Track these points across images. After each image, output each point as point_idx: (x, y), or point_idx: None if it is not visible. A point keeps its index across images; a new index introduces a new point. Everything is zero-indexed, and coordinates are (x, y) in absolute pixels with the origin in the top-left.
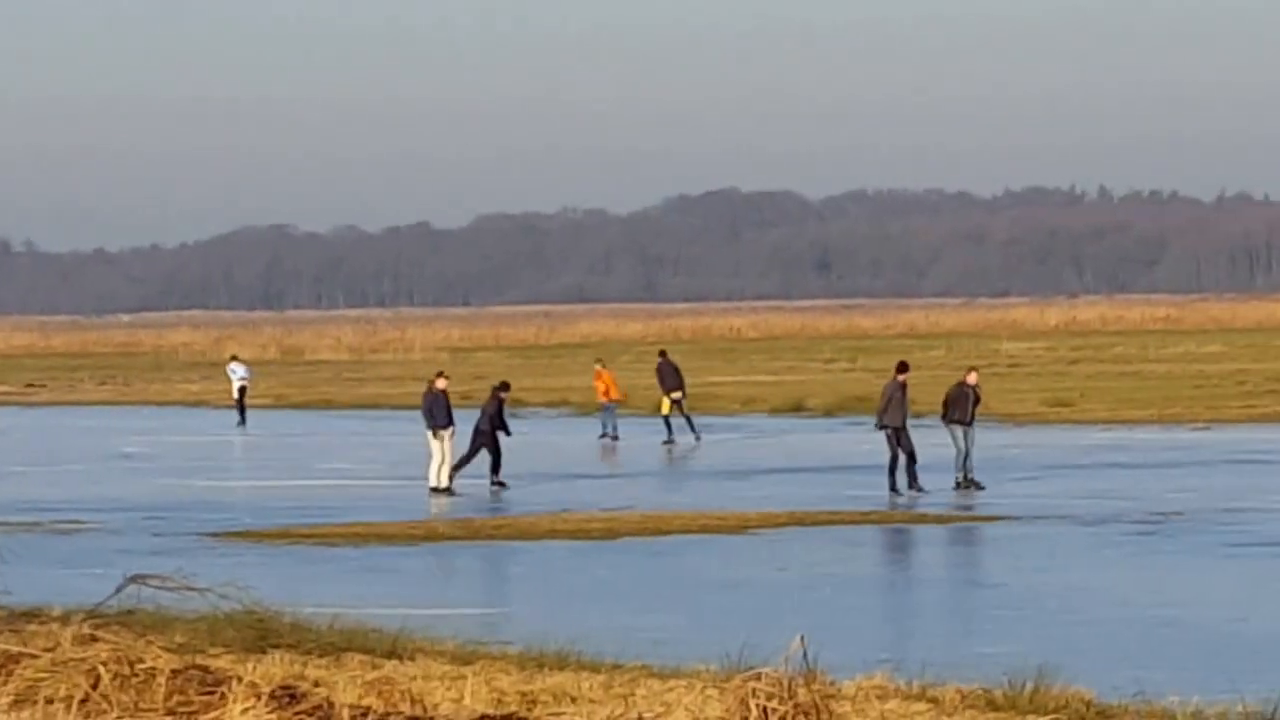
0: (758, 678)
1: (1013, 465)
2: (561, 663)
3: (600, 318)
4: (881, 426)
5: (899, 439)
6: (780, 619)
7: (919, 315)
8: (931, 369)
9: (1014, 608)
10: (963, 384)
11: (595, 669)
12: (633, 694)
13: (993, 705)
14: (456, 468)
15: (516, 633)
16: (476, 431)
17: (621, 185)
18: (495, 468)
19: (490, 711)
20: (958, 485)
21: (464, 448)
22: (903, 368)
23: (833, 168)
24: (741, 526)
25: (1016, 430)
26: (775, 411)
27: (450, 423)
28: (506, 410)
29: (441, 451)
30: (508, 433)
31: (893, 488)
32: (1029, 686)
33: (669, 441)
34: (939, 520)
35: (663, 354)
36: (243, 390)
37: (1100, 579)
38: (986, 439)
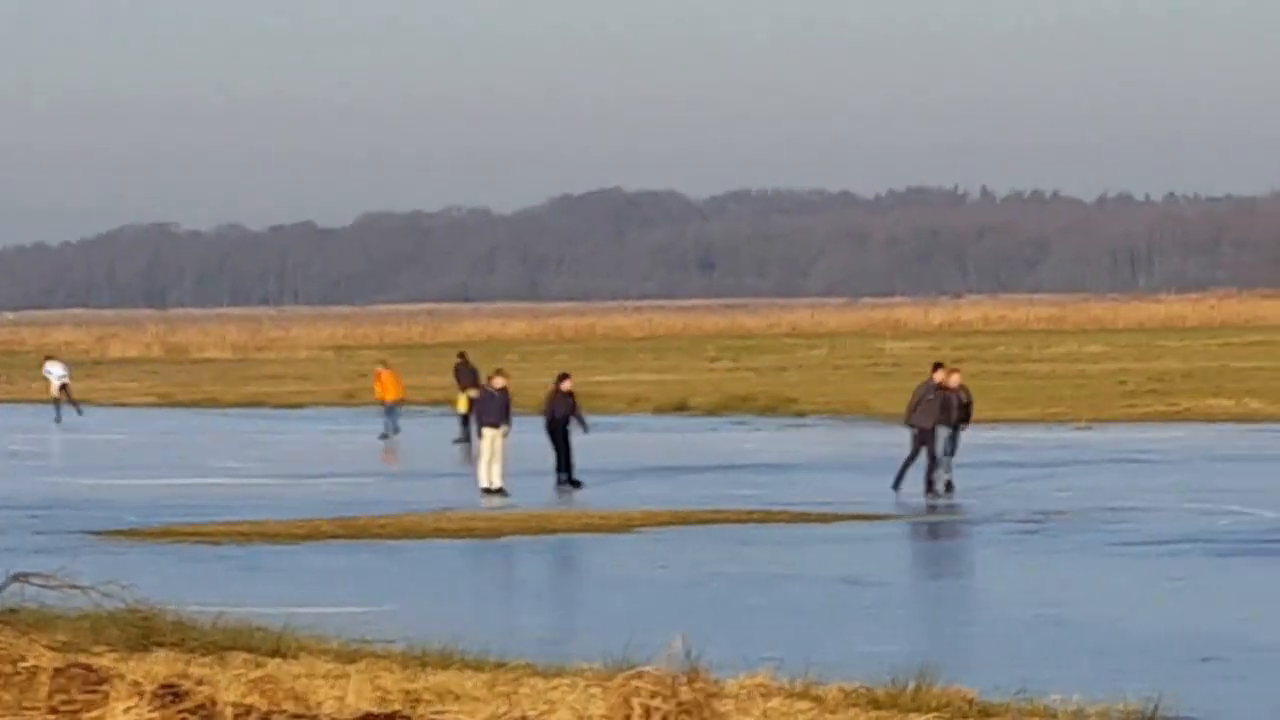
0: (640, 676)
1: (894, 465)
2: (445, 661)
3: (484, 317)
4: (910, 425)
5: (924, 439)
6: (664, 618)
7: (802, 315)
8: (814, 368)
9: (896, 606)
10: (940, 386)
11: (479, 667)
12: (516, 692)
13: (875, 704)
14: (563, 469)
15: (400, 631)
16: (550, 428)
17: (505, 184)
18: (564, 465)
19: (374, 710)
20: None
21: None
22: (937, 367)
23: (716, 167)
24: (625, 525)
25: (898, 430)
26: (659, 410)
27: (504, 421)
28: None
29: (491, 450)
30: (584, 428)
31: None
32: (911, 685)
33: (461, 440)
34: (823, 519)
35: (461, 355)
36: (64, 388)
37: (984, 578)
38: (870, 438)
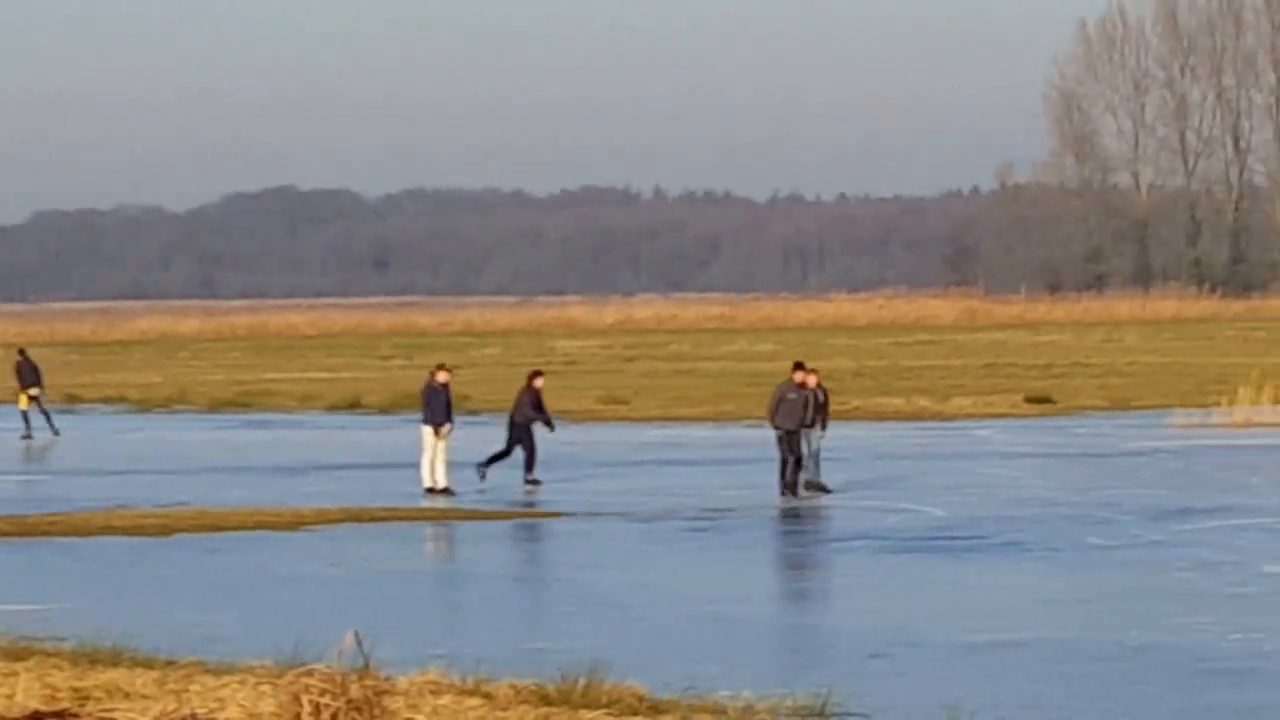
0: (310, 674)
1: (569, 462)
2: (115, 659)
3: (158, 314)
4: (774, 427)
5: (790, 442)
6: (336, 615)
7: (475, 313)
8: (487, 366)
9: (569, 604)
10: (801, 385)
11: (149, 665)
12: (186, 690)
13: (546, 700)
14: (489, 462)
15: (71, 629)
16: (512, 424)
17: (179, 182)
18: (529, 464)
19: (42, 708)
20: (806, 487)
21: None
22: (798, 367)
23: (390, 166)
24: (297, 523)
25: (573, 427)
26: (332, 408)
27: (449, 419)
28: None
29: (434, 448)
30: (550, 426)
31: (786, 490)
32: (582, 682)
33: (27, 436)
34: (497, 516)
35: (21, 352)
36: None
37: (654, 575)
38: (541, 436)
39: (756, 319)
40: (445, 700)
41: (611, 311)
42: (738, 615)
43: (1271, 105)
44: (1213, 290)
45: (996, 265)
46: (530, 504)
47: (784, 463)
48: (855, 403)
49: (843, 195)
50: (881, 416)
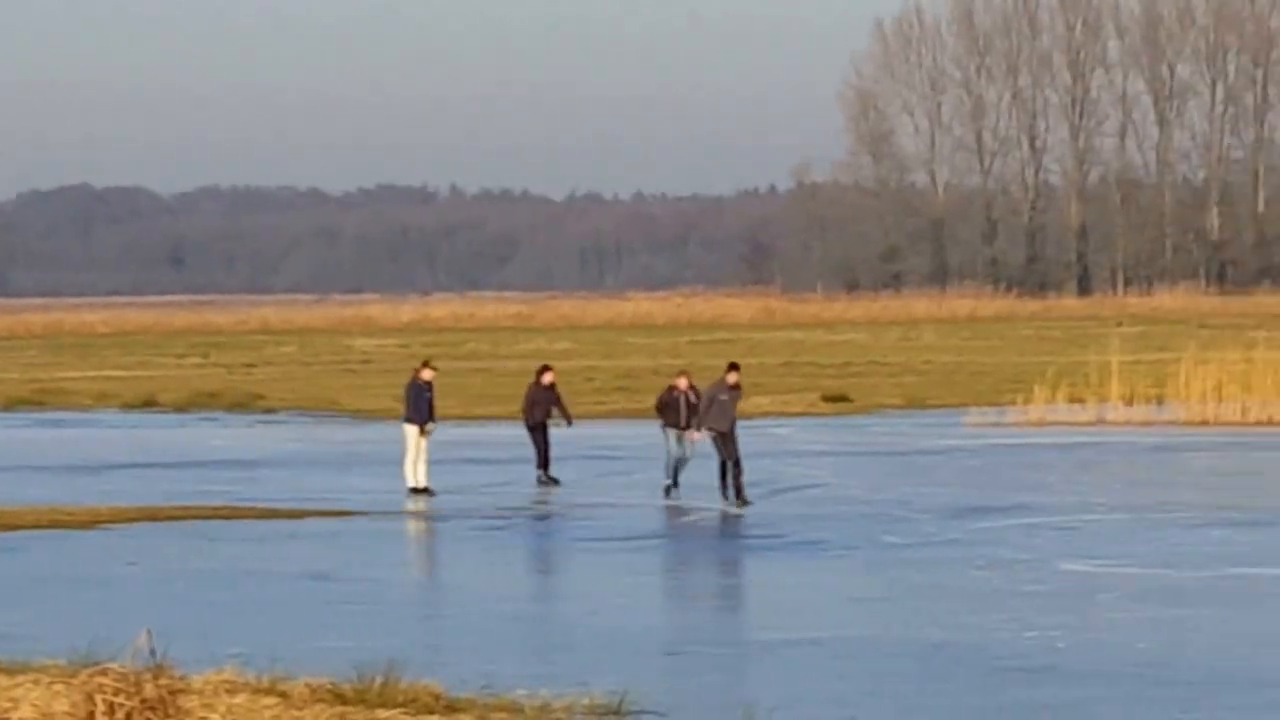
0: (105, 673)
1: (364, 461)
2: None
3: None
4: (710, 429)
5: (724, 443)
6: (131, 614)
7: (271, 311)
8: (283, 365)
9: (366, 603)
10: (674, 388)
11: None
12: None
13: (342, 699)
14: (541, 466)
15: None
16: (528, 426)
17: None
18: (544, 461)
19: None
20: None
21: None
22: (733, 368)
23: (185, 164)
24: (92, 522)
25: (367, 426)
26: (127, 407)
27: (432, 418)
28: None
29: (417, 447)
30: (568, 421)
31: (736, 497)
32: (378, 680)
33: None
34: (294, 515)
35: None
36: None
37: (451, 574)
38: (339, 434)
39: (554, 318)
40: (240, 699)
41: (408, 310)
42: (534, 614)
43: (1067, 105)
44: (1008, 289)
45: (794, 264)
46: (322, 503)
47: (723, 465)
48: (652, 400)
49: (640, 194)
50: None
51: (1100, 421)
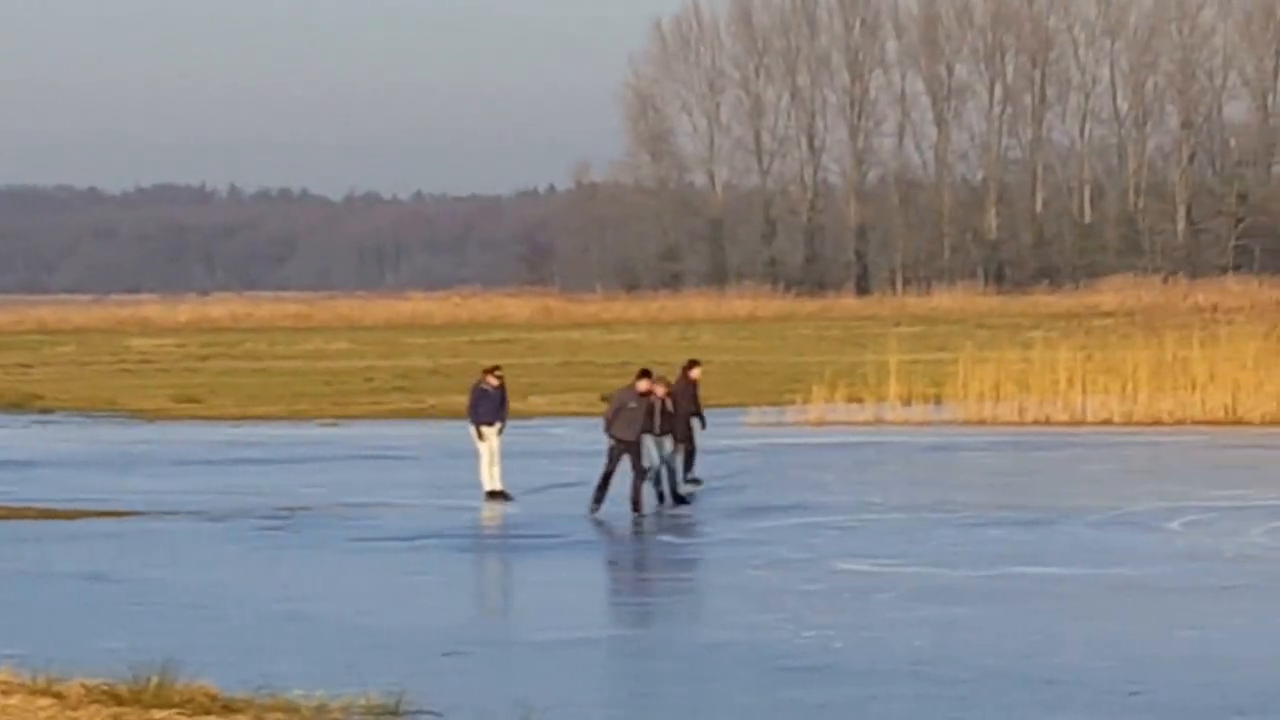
0: None
1: (142, 461)
2: None
3: None
4: (611, 437)
5: (630, 452)
6: None
7: (48, 311)
8: (61, 365)
9: (142, 603)
10: (648, 393)
11: None
12: None
13: (117, 700)
14: (687, 475)
15: None
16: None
17: None
18: (689, 463)
19: None
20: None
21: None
22: (693, 365)
23: None
24: None
25: (146, 426)
26: None
27: (499, 419)
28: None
29: (488, 451)
30: (703, 423)
31: (677, 499)
32: (154, 681)
33: None
34: (70, 515)
35: None
36: None
37: (228, 574)
38: (117, 435)
39: (332, 317)
40: (15, 700)
41: (186, 310)
42: (312, 614)
43: (845, 105)
44: (787, 289)
45: (573, 264)
46: (99, 503)
47: (606, 475)
48: (431, 401)
49: (419, 194)
50: (457, 415)
51: (878, 421)
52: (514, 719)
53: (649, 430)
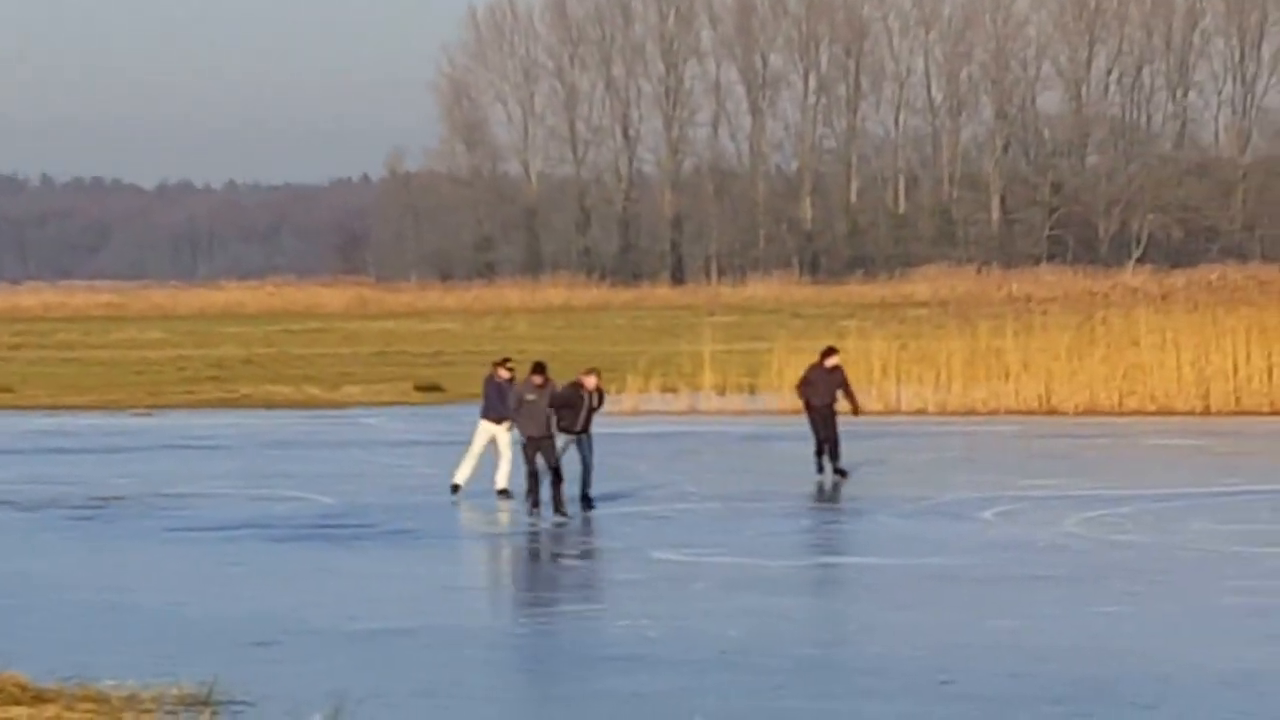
0: None
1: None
2: None
3: None
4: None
5: (542, 450)
6: None
7: None
8: None
9: None
10: (579, 385)
11: None
12: None
13: None
14: (820, 462)
15: None
16: (810, 408)
17: None
18: (835, 453)
19: None
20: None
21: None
22: (538, 368)
23: None
24: None
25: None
26: None
27: (508, 414)
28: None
29: (493, 445)
30: (855, 408)
31: (585, 504)
32: None
33: None
34: None
35: None
36: None
37: (39, 564)
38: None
39: (146, 307)
40: None
41: None
42: (125, 604)
43: (660, 95)
44: (602, 279)
45: (388, 253)
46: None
47: (531, 475)
48: (245, 390)
49: (233, 183)
50: (271, 404)
51: (693, 411)
52: (326, 709)
53: (570, 428)
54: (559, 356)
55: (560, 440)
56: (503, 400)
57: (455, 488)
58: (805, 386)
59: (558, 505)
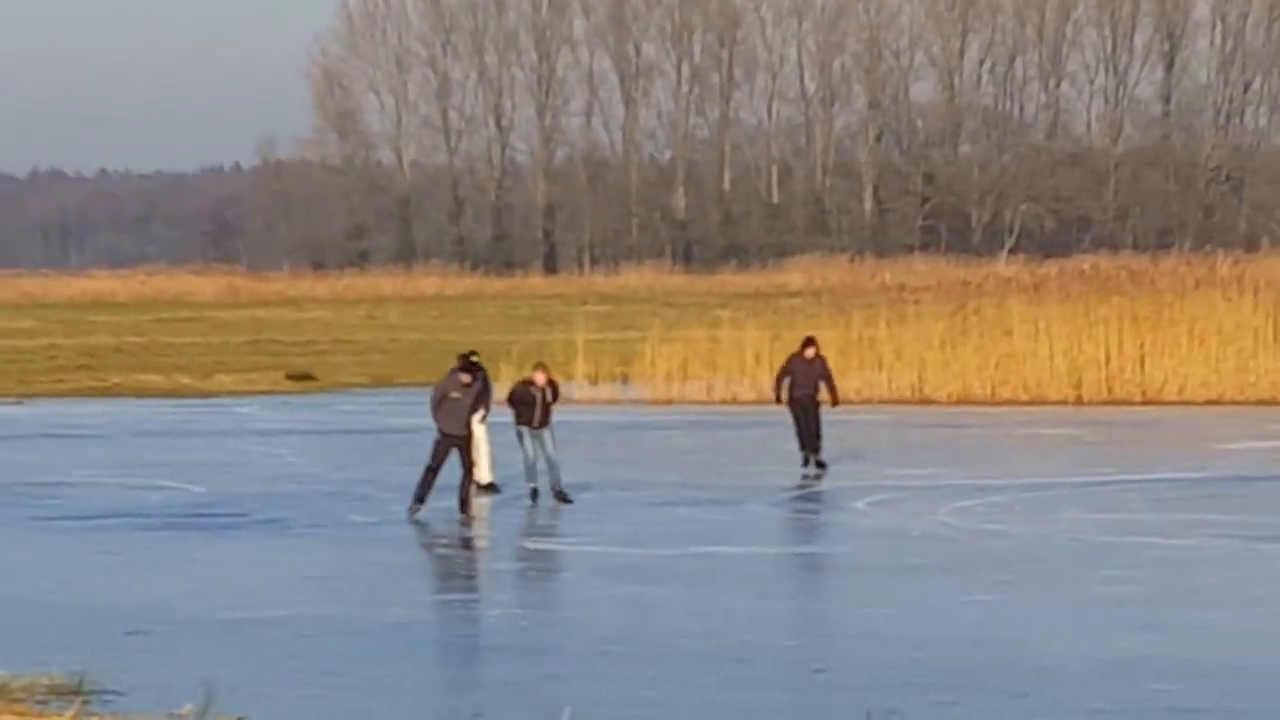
0: None
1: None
2: None
3: None
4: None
5: (458, 446)
6: None
7: None
8: None
9: None
10: (529, 382)
11: None
12: None
13: None
14: (808, 456)
15: None
16: (793, 401)
17: None
18: (813, 445)
19: None
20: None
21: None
22: (467, 366)
23: None
24: None
25: None
26: None
27: (486, 407)
28: None
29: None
30: (834, 399)
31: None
32: None
33: None
34: None
35: None
36: None
37: None
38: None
39: (16, 296)
40: None
41: None
42: None
43: (533, 84)
44: (475, 268)
45: (259, 242)
46: None
47: (429, 471)
48: (115, 379)
49: (104, 171)
50: (141, 393)
51: (566, 400)
52: (197, 698)
53: (528, 423)
54: (431, 346)
55: (526, 436)
56: (485, 393)
57: (491, 486)
58: (784, 378)
59: (464, 504)
